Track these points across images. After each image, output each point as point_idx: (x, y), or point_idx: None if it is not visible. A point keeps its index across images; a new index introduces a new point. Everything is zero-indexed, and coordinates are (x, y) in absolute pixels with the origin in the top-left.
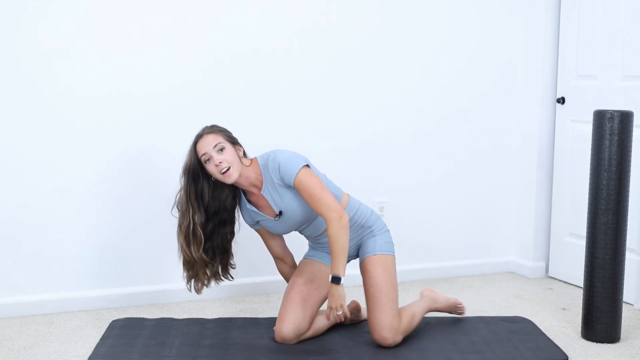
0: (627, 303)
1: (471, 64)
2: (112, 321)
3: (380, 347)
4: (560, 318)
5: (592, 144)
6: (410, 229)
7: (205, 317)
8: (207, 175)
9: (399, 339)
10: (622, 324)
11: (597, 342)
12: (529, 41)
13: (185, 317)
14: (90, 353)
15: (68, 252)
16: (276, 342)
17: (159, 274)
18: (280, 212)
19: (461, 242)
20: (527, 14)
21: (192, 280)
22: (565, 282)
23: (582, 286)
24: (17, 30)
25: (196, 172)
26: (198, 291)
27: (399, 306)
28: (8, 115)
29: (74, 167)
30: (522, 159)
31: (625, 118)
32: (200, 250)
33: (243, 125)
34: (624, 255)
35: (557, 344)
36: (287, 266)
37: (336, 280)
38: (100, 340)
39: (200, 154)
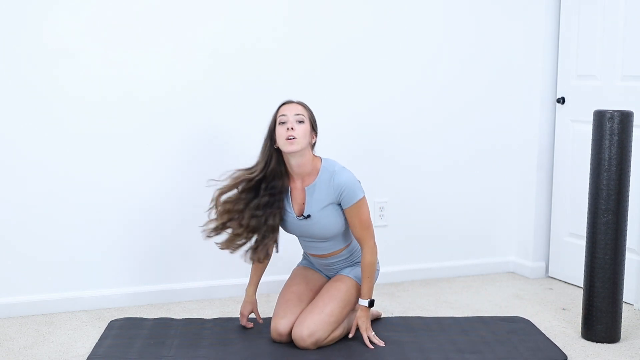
0: (627, 303)
1: (471, 64)
2: (111, 321)
3: (376, 347)
4: (560, 318)
5: (592, 144)
6: (410, 229)
7: (204, 317)
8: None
9: (310, 344)
10: (622, 324)
11: (597, 342)
12: (529, 41)
13: (184, 317)
14: (89, 353)
15: (68, 252)
16: (273, 340)
17: (158, 274)
18: (308, 216)
19: (461, 242)
20: (527, 14)
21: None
22: (565, 282)
23: (582, 286)
24: (19, 30)
25: (271, 131)
26: (223, 245)
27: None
28: (8, 115)
29: (74, 167)
30: (522, 159)
31: (625, 118)
32: (241, 212)
33: (244, 123)
34: (624, 255)
35: (557, 344)
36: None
37: (371, 303)
38: (98, 340)
39: (279, 115)
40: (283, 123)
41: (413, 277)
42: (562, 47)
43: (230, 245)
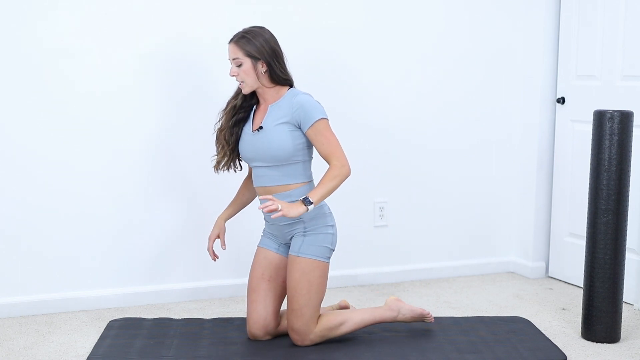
0: (627, 303)
1: (471, 64)
2: (110, 321)
3: (376, 347)
4: (560, 318)
5: (592, 144)
6: (410, 229)
7: (204, 317)
8: None
9: (307, 342)
10: (622, 324)
11: (597, 342)
12: (529, 41)
13: (184, 317)
14: (89, 353)
15: (68, 252)
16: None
17: (158, 274)
18: (261, 128)
19: (461, 242)
20: (527, 14)
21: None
22: (565, 282)
23: (582, 286)
24: (19, 27)
25: None
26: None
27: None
28: (11, 112)
29: (75, 165)
30: (522, 159)
31: (625, 118)
32: (224, 130)
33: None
34: (624, 255)
35: (557, 344)
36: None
37: (306, 200)
38: (98, 340)
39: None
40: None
41: (413, 277)
42: (562, 47)
43: (217, 165)
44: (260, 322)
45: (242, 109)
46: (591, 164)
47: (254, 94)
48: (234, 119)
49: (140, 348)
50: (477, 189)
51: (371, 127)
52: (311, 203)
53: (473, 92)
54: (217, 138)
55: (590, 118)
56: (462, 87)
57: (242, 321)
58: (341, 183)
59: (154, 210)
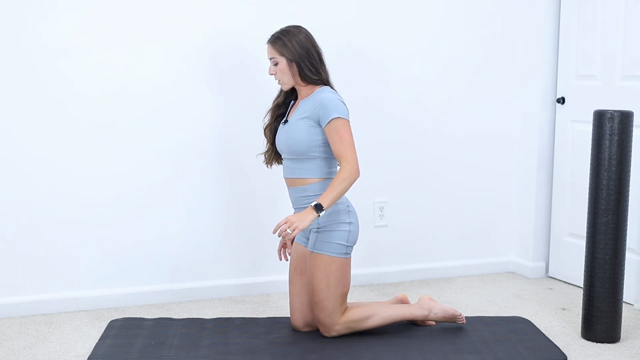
0: (627, 303)
1: (471, 64)
2: (111, 321)
3: (376, 346)
4: (560, 318)
5: (592, 144)
6: (410, 228)
7: (204, 317)
8: None
9: (333, 333)
10: (622, 324)
11: (597, 342)
12: (529, 41)
13: (184, 317)
14: (90, 353)
15: (68, 252)
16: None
17: (158, 274)
18: (287, 121)
19: (461, 242)
20: (527, 14)
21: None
22: (565, 282)
23: (582, 286)
24: (20, 27)
25: None
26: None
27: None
28: (11, 112)
29: (74, 166)
30: (522, 159)
31: (625, 118)
32: (267, 128)
33: (245, 122)
34: (624, 255)
35: (557, 344)
36: None
37: (317, 207)
38: (99, 340)
39: None
40: None
41: (413, 277)
42: (562, 47)
43: (266, 160)
44: (297, 314)
45: (283, 105)
46: (591, 164)
47: (294, 90)
48: (276, 114)
49: (141, 348)
50: (477, 188)
51: (371, 127)
52: (322, 209)
53: (473, 92)
54: (264, 133)
55: (590, 118)
56: (462, 87)
57: (242, 321)
58: (350, 186)
59: (154, 210)
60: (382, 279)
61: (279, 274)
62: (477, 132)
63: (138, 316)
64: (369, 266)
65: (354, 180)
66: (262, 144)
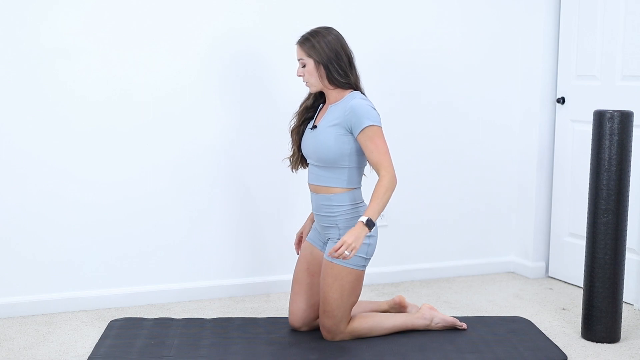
0: (627, 303)
1: (471, 64)
2: (111, 321)
3: (376, 346)
4: (560, 318)
5: (592, 144)
6: (410, 229)
7: (204, 317)
8: None
9: (337, 339)
10: (622, 324)
11: (597, 342)
12: (529, 41)
13: (184, 317)
14: (90, 353)
15: (68, 252)
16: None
17: (158, 274)
18: (315, 127)
19: (461, 242)
20: (527, 14)
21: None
22: (565, 282)
23: (582, 286)
24: (18, 29)
25: None
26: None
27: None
28: (11, 113)
29: (73, 167)
30: (522, 159)
31: (625, 118)
32: (294, 131)
33: (245, 122)
34: (624, 255)
35: (557, 344)
36: None
37: (370, 223)
38: (99, 340)
39: None
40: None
41: (413, 277)
42: (562, 47)
43: (292, 164)
44: (299, 314)
45: (312, 109)
46: (591, 164)
47: (322, 93)
48: (303, 117)
49: (141, 348)
50: (477, 188)
51: None
52: (373, 224)
53: (472, 92)
54: (291, 136)
55: (590, 118)
56: (461, 87)
57: (242, 321)
58: (392, 194)
59: (154, 210)
60: (382, 279)
61: (279, 274)
62: (477, 132)
63: (138, 316)
64: (369, 266)
65: (394, 188)
66: (288, 148)
